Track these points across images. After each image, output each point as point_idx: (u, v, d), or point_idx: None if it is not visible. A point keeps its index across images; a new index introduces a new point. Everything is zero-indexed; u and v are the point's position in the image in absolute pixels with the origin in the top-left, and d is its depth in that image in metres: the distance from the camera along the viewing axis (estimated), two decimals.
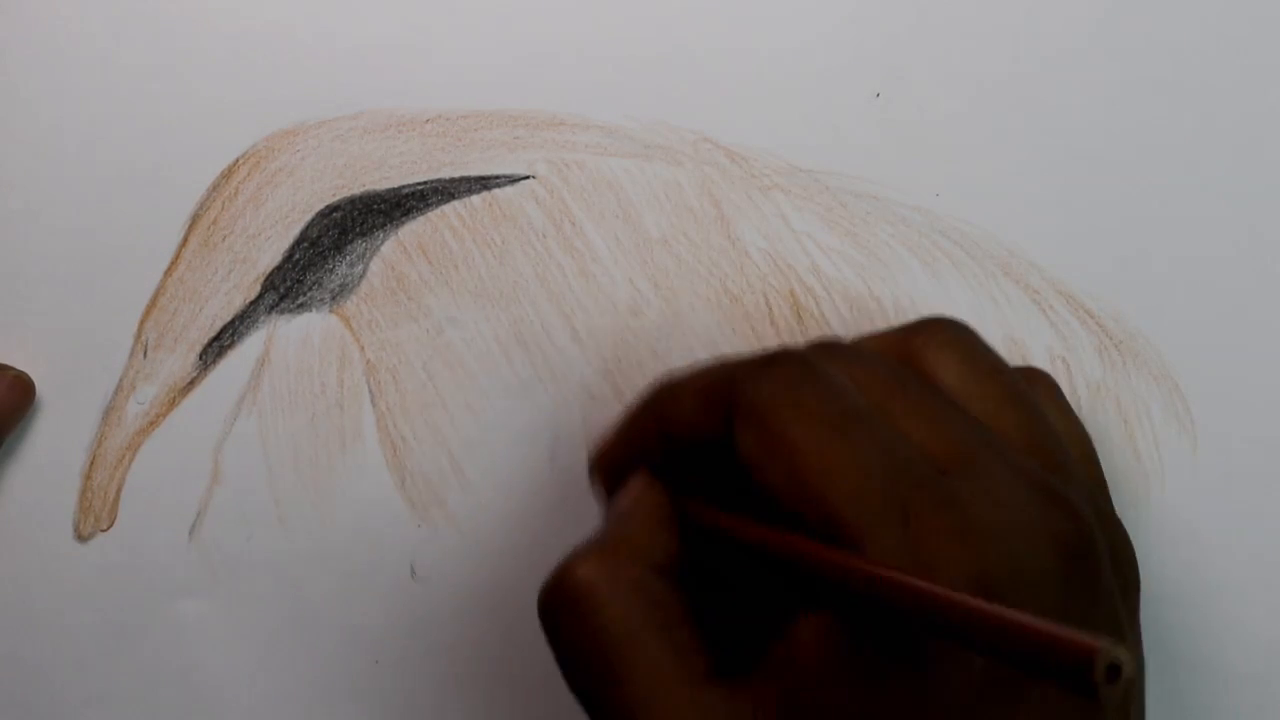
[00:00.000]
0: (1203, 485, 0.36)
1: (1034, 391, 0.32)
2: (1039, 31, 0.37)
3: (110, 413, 0.37)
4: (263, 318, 0.37)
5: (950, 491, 0.26)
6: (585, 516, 0.37)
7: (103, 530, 0.37)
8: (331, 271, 0.37)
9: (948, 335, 0.31)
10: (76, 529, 0.37)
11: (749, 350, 0.29)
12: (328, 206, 0.37)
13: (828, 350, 0.30)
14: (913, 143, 0.37)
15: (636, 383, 0.37)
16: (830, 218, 0.37)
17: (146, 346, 0.37)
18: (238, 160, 0.37)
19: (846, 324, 0.37)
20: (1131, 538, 0.32)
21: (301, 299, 0.37)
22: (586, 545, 0.29)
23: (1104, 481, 0.34)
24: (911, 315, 0.37)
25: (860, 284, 0.37)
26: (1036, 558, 0.26)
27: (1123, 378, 0.37)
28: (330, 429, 0.37)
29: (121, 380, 0.37)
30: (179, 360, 0.37)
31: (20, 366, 0.37)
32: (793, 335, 0.37)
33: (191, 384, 0.37)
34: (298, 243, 0.37)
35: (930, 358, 0.30)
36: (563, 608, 0.28)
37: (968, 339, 0.31)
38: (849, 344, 0.31)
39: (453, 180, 0.37)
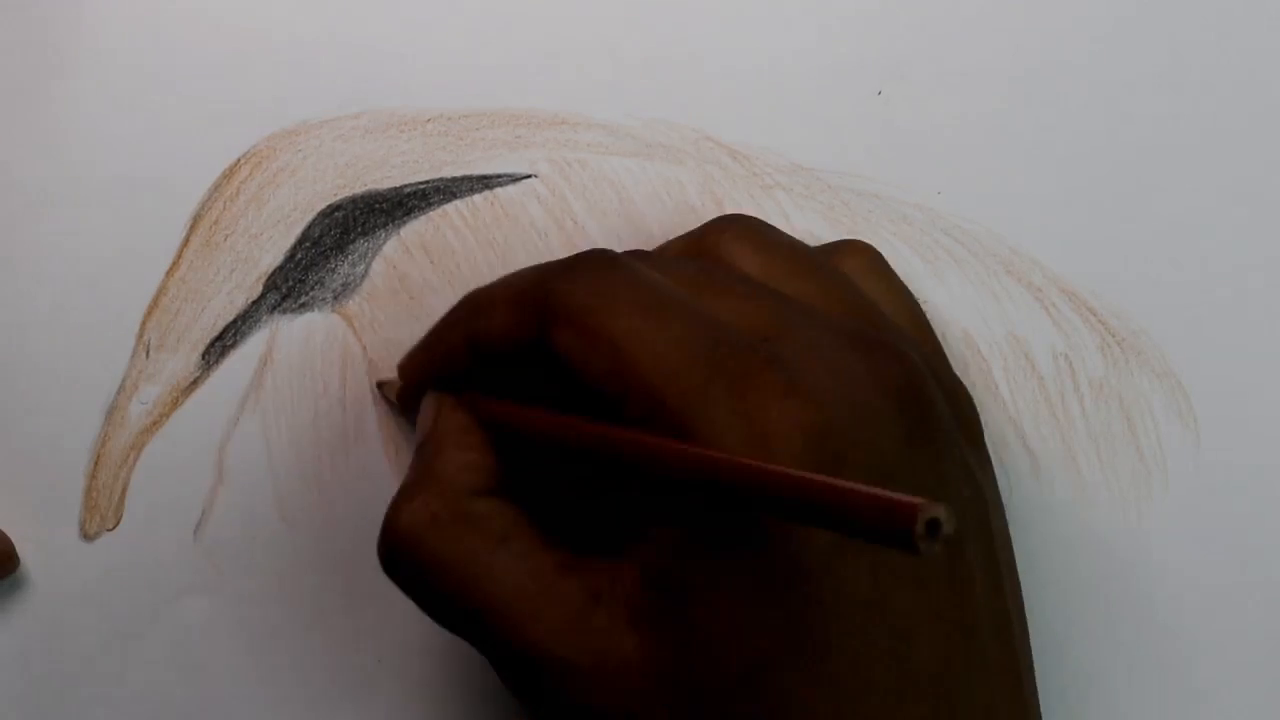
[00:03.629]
0: (1206, 483, 0.36)
1: (852, 262, 0.33)
2: (1040, 30, 0.37)
3: (113, 413, 0.37)
4: (265, 317, 0.37)
5: (772, 353, 0.26)
6: None
7: (108, 529, 0.37)
8: (334, 271, 0.37)
9: (739, 228, 0.32)
10: (82, 528, 0.37)
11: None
12: (330, 206, 0.37)
13: (632, 253, 0.31)
14: (914, 140, 0.37)
15: None
16: (832, 216, 0.37)
17: (149, 347, 0.37)
18: (239, 160, 0.37)
19: None
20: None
21: (304, 298, 0.37)
22: (402, 490, 0.29)
23: (939, 346, 0.34)
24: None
25: None
26: (869, 403, 0.25)
27: (1125, 375, 0.37)
28: (333, 428, 0.37)
29: (124, 380, 0.37)
30: (181, 360, 0.37)
31: (21, 366, 0.37)
32: None
33: (194, 384, 0.37)
34: (300, 242, 0.37)
35: (726, 250, 0.31)
36: (399, 560, 0.28)
37: (758, 227, 0.32)
38: (650, 251, 0.33)
39: (454, 179, 0.37)
